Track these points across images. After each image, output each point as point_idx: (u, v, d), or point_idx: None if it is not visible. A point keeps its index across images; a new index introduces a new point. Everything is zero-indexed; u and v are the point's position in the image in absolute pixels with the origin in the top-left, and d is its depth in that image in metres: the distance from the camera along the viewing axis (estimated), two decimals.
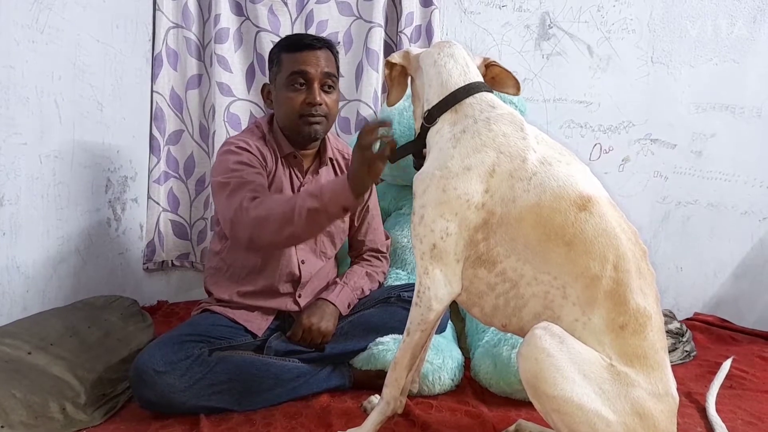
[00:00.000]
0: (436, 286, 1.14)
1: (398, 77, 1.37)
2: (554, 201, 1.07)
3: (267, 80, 1.70)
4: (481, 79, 1.26)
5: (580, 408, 0.98)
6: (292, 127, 1.61)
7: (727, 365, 1.73)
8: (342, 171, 1.75)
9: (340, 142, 1.82)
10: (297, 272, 1.64)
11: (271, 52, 1.66)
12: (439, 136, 1.20)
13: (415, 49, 1.35)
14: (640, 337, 1.02)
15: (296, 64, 1.56)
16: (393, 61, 1.34)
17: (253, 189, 1.46)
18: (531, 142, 1.13)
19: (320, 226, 1.40)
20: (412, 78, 1.36)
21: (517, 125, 1.16)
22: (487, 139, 1.13)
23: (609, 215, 1.08)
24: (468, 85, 1.22)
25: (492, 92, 1.24)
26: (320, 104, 1.57)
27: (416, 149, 1.29)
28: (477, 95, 1.21)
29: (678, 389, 1.07)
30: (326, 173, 1.72)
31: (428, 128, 1.23)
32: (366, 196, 1.32)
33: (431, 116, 1.22)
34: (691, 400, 1.59)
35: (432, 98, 1.24)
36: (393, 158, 1.28)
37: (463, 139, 1.15)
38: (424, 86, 1.27)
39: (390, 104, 1.39)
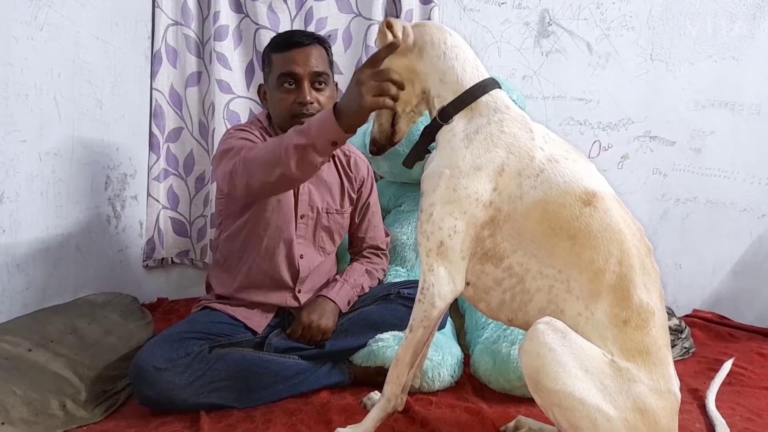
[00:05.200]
0: (440, 284, 1.15)
1: None
2: (560, 196, 1.09)
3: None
4: (487, 73, 1.24)
5: (582, 403, 0.98)
6: (286, 128, 1.60)
7: (728, 365, 1.73)
8: (342, 166, 1.75)
9: None
10: (296, 266, 1.64)
11: (263, 53, 1.66)
12: (451, 134, 1.18)
13: (403, 23, 1.22)
14: (643, 333, 1.03)
15: (285, 65, 1.56)
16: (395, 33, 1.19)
17: (251, 147, 1.43)
18: (539, 141, 1.15)
19: (312, 164, 1.29)
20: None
21: (527, 126, 1.17)
22: (498, 140, 1.14)
23: (614, 211, 1.09)
24: (483, 82, 1.20)
25: (501, 88, 1.23)
26: (311, 102, 1.56)
27: (424, 148, 1.27)
28: (492, 93, 1.20)
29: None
30: (327, 168, 1.72)
31: (440, 125, 1.20)
32: (356, 127, 1.20)
33: (447, 114, 1.19)
34: (691, 396, 1.59)
35: (446, 95, 1.20)
36: (408, 165, 1.27)
37: (476, 139, 1.15)
38: (435, 77, 1.21)
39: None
